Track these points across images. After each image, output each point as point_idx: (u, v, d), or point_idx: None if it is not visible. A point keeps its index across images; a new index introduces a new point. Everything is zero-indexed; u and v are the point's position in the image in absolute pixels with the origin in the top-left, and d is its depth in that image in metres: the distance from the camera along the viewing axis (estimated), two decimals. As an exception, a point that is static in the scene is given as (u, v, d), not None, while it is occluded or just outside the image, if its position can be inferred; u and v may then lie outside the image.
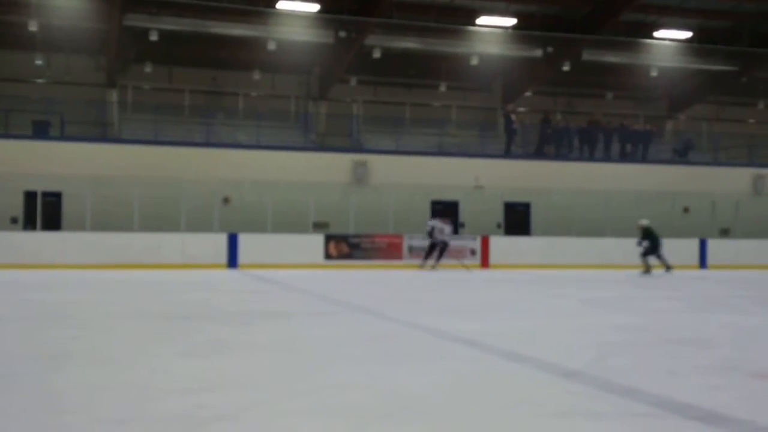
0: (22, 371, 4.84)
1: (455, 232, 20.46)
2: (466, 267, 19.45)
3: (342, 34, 23.21)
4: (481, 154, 23.84)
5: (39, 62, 23.70)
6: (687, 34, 24.57)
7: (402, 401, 4.07)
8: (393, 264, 19.87)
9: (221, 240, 19.39)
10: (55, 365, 5.08)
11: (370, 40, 23.35)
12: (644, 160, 24.89)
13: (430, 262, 18.67)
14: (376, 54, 23.78)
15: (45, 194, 19.96)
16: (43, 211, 19.74)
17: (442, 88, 26.50)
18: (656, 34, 24.50)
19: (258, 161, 21.56)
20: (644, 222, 17.91)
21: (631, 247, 18.07)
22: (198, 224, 20.02)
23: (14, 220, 19.68)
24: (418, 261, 19.21)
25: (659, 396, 4.25)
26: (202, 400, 4.02)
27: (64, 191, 20.12)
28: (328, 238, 19.97)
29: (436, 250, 18.67)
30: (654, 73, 25.89)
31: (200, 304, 9.77)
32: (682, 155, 25.75)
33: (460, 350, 5.92)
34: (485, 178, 22.33)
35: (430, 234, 18.69)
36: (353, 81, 25.91)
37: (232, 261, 19.21)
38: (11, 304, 9.87)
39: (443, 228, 18.69)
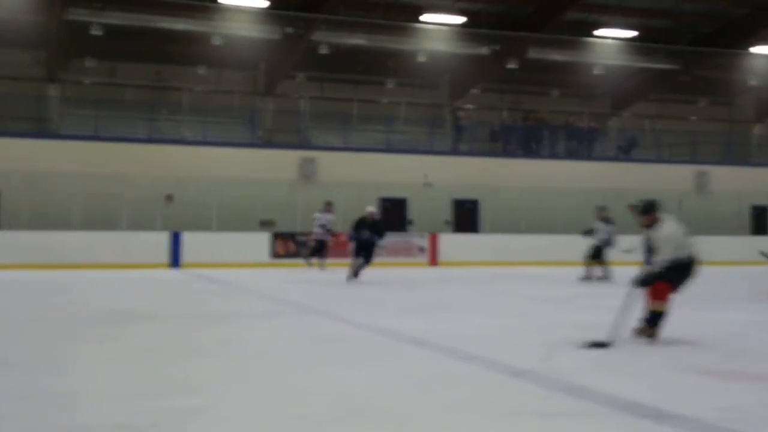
0: None
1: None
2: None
3: (289, 30, 22.93)
4: (430, 151, 23.83)
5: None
6: (630, 33, 24.95)
7: (353, 404, 4.02)
8: (340, 262, 19.65)
9: (163, 238, 18.98)
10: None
11: (317, 36, 23.12)
12: (590, 157, 25.21)
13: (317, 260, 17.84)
14: (324, 50, 23.56)
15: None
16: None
17: (390, 84, 26.41)
18: (599, 32, 24.82)
19: (203, 158, 21.17)
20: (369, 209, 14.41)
21: (580, 243, 18.18)
22: (140, 222, 19.57)
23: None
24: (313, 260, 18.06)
25: (608, 395, 4.22)
26: (138, 407, 3.84)
27: (1, 188, 19.43)
28: (275, 237, 19.70)
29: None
30: (598, 71, 26.21)
31: (139, 306, 9.49)
32: (626, 152, 26.16)
33: (411, 351, 5.85)
34: (434, 175, 22.32)
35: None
36: (300, 77, 25.64)
37: (175, 260, 18.81)
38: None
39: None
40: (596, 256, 14.58)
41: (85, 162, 20.18)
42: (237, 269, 17.98)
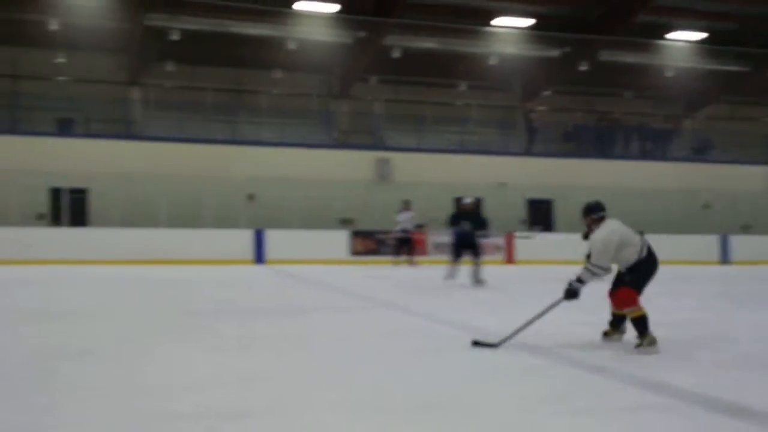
0: (54, 366, 4.85)
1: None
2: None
3: (360, 34, 23.35)
4: (504, 151, 23.94)
5: (61, 60, 23.74)
6: (700, 36, 24.73)
7: (429, 397, 4.05)
8: (418, 260, 19.90)
9: (248, 236, 19.44)
10: (83, 361, 5.08)
11: (388, 40, 23.46)
12: (663, 158, 25.00)
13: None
14: (396, 54, 23.87)
15: (71, 191, 19.99)
16: (70, 208, 19.77)
17: (462, 86, 26.60)
18: (670, 35, 24.66)
19: (281, 158, 21.63)
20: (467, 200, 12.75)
21: (652, 242, 18.05)
22: (224, 221, 20.07)
23: (41, 216, 19.68)
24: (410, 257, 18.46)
25: (683, 389, 4.26)
26: (229, 395, 4.02)
27: (91, 188, 20.15)
28: (354, 234, 20.03)
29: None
30: (669, 74, 26.03)
31: (227, 301, 9.73)
32: (699, 153, 25.88)
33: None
34: (508, 175, 22.43)
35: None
36: (374, 80, 26.00)
37: (259, 257, 19.26)
38: (42, 299, 9.89)
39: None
40: None
41: (169, 162, 20.79)
42: (317, 266, 18.30)
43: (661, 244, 17.38)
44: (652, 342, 5.48)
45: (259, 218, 20.09)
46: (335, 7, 22.33)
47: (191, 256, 18.58)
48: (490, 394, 4.16)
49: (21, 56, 23.35)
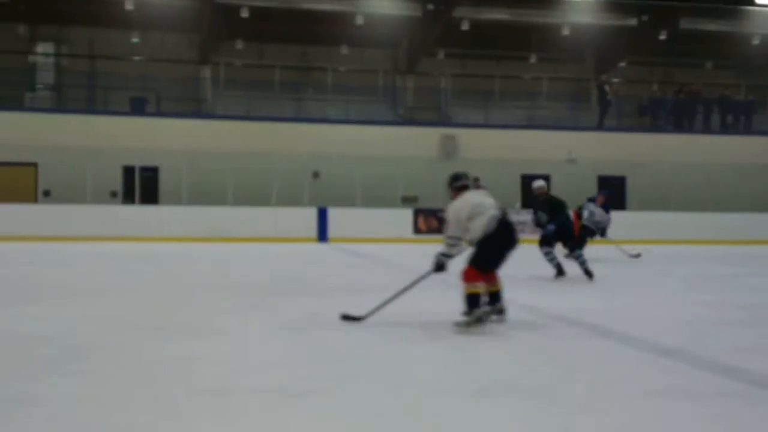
0: (128, 340, 5.00)
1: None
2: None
3: (430, 6, 22.96)
4: (574, 126, 23.26)
5: (135, 40, 24.34)
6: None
7: (497, 378, 4.02)
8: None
9: (312, 214, 19.58)
10: (155, 336, 5.20)
11: (458, 11, 23.00)
12: (747, 131, 23.78)
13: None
14: (465, 26, 23.41)
15: (143, 169, 20.56)
16: (141, 186, 20.35)
17: (532, 59, 25.93)
18: (757, 0, 23.28)
19: (346, 135, 21.61)
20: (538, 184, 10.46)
21: (734, 221, 17.31)
22: (289, 198, 20.26)
23: (114, 194, 20.34)
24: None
25: (754, 375, 4.10)
26: (297, 372, 4.04)
27: (161, 166, 20.67)
28: (417, 213, 19.90)
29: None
30: (756, 41, 24.65)
31: (293, 278, 9.87)
32: (787, 127, 24.50)
33: (555, 327, 5.77)
34: (578, 151, 21.80)
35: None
36: (441, 54, 25.62)
37: (322, 235, 19.38)
38: (116, 275, 10.22)
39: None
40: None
41: (237, 140, 21.09)
42: (380, 244, 18.28)
43: (744, 222, 16.51)
44: (475, 321, 5.39)
45: (323, 196, 20.19)
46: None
47: (257, 234, 18.86)
48: (560, 377, 4.10)
49: (98, 36, 24.04)
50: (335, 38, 24.81)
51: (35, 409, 3.32)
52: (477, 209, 5.57)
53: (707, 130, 23.68)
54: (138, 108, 22.11)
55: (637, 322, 6.06)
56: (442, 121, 23.48)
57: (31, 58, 23.49)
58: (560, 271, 9.86)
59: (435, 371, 4.20)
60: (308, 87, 24.08)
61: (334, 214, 19.53)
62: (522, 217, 18.09)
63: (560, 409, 3.38)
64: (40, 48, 23.59)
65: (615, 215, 14.21)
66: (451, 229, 5.65)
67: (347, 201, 20.26)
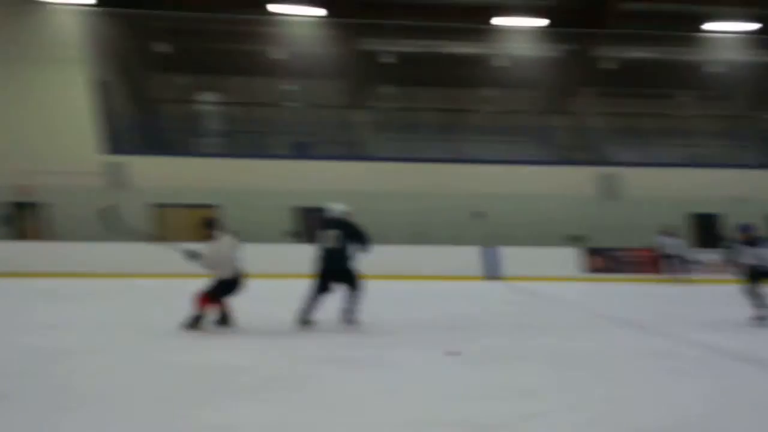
0: (316, 372, 5.20)
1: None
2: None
3: (571, 47, 23.08)
4: (738, 164, 22.71)
5: (291, 87, 25.35)
6: None
7: (684, 418, 3.98)
8: (651, 278, 19.28)
9: (475, 252, 19.67)
10: (346, 368, 5.37)
11: (599, 51, 23.05)
12: None
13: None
14: (609, 65, 23.38)
15: (308, 209, 21.18)
16: (308, 225, 20.95)
17: (682, 96, 25.57)
18: None
19: (503, 175, 21.75)
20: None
21: None
22: (450, 237, 20.43)
23: (285, 233, 21.03)
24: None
25: None
26: (481, 407, 4.06)
27: (324, 206, 21.21)
28: (586, 251, 19.73)
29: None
30: None
31: (464, 315, 9.92)
32: None
33: (735, 367, 5.58)
34: (744, 189, 21.22)
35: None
36: (588, 93, 25.60)
37: (488, 272, 19.42)
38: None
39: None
40: None
41: (393, 181, 21.52)
42: (549, 282, 18.18)
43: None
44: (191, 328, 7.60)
45: (485, 235, 20.29)
46: (544, 22, 22.25)
47: (421, 272, 19.06)
48: (759, 424, 3.96)
49: (256, 85, 25.17)
50: (480, 80, 25.19)
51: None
52: (232, 256, 8.29)
53: None
54: (299, 151, 22.90)
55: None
56: (598, 159, 23.33)
57: (197, 107, 24.79)
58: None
59: (627, 409, 4.14)
60: (459, 128, 24.44)
61: (499, 252, 19.57)
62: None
63: None
64: (204, 97, 24.88)
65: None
66: (208, 263, 8.21)
67: (510, 239, 20.29)
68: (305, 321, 8.44)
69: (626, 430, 3.77)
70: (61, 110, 20.61)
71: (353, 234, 8.64)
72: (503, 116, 25.07)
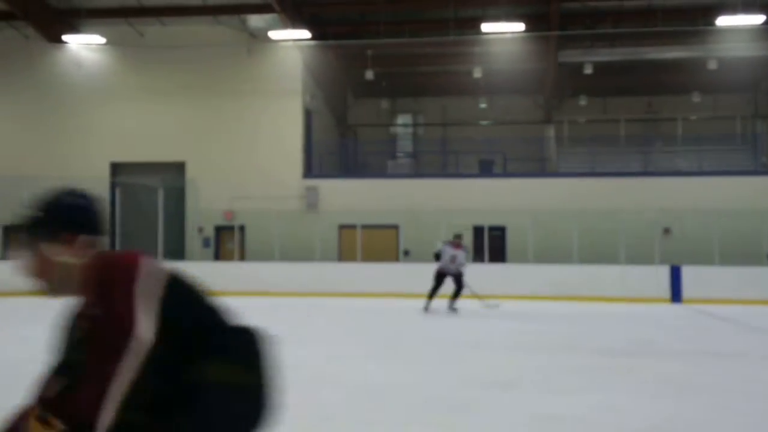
0: (477, 395, 5.20)
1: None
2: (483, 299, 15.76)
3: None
4: None
5: (483, 105, 25.71)
6: None
7: None
8: None
9: (663, 272, 18.61)
10: (513, 394, 5.37)
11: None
12: None
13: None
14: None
15: (491, 228, 21.41)
16: (490, 245, 21.17)
17: None
18: None
19: (700, 188, 20.34)
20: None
21: None
22: (637, 256, 19.54)
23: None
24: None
25: None
26: None
27: (508, 224, 21.34)
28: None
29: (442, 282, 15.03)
30: None
31: (643, 340, 9.52)
32: None
33: None
34: None
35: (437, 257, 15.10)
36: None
37: (676, 295, 18.29)
38: (470, 331, 10.74)
39: (456, 255, 14.91)
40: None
41: (581, 198, 20.98)
42: (743, 306, 16.75)
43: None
44: None
45: (675, 253, 19.15)
46: (761, 18, 20.32)
47: (603, 293, 18.45)
48: None
49: (449, 105, 25.87)
50: (684, 86, 23.70)
51: None
52: None
53: None
54: (486, 170, 23.18)
55: None
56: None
57: (392, 130, 26.04)
58: None
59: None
60: (656, 139, 23.23)
61: (688, 272, 18.36)
62: None
63: None
64: (400, 120, 26.05)
65: None
66: None
67: (703, 259, 18.96)
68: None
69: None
70: (273, 138, 22.69)
71: None
72: (707, 124, 23.39)
